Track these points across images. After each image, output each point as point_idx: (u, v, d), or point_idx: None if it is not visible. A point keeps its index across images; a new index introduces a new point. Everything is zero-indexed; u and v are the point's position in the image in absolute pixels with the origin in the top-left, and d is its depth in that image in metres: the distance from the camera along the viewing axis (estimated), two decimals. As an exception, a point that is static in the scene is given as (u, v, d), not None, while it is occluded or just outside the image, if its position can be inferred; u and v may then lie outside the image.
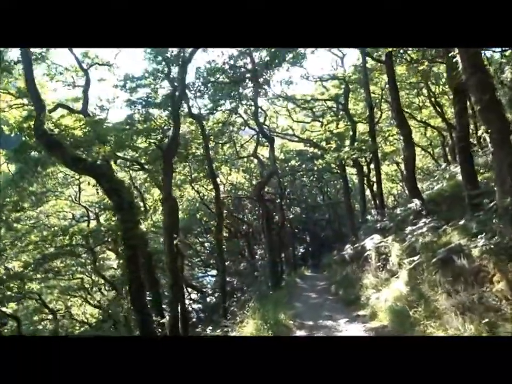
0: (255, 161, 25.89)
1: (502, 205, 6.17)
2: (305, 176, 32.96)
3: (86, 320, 23.28)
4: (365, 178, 22.29)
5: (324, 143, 26.00)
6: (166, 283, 18.33)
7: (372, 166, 23.82)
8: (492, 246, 5.58)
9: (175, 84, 16.18)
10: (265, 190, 24.47)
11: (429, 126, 26.42)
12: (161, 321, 13.71)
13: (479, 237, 6.02)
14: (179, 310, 14.18)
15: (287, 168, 28.79)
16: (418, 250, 8.32)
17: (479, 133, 13.67)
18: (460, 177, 12.53)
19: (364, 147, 16.41)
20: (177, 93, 15.91)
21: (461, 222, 7.67)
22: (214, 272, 34.47)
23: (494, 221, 6.28)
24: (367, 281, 11.09)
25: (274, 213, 27.99)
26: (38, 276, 18.62)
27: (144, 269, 14.81)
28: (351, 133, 21.49)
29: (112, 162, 15.88)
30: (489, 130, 6.49)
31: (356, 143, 18.67)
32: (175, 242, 14.27)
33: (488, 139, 6.76)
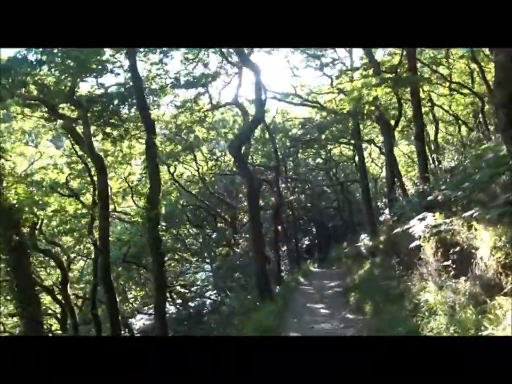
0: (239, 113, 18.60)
1: None
2: (310, 149, 27.01)
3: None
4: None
5: (334, 106, 20.61)
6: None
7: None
8: None
9: None
10: (252, 157, 18.35)
11: (468, 90, 19.99)
12: None
13: None
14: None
15: (287, 142, 23.27)
16: None
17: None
18: None
19: (403, 76, 10.97)
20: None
21: None
22: (208, 267, 29.72)
23: None
24: (430, 297, 5.82)
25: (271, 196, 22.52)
26: None
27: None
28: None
29: None
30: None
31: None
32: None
33: None
